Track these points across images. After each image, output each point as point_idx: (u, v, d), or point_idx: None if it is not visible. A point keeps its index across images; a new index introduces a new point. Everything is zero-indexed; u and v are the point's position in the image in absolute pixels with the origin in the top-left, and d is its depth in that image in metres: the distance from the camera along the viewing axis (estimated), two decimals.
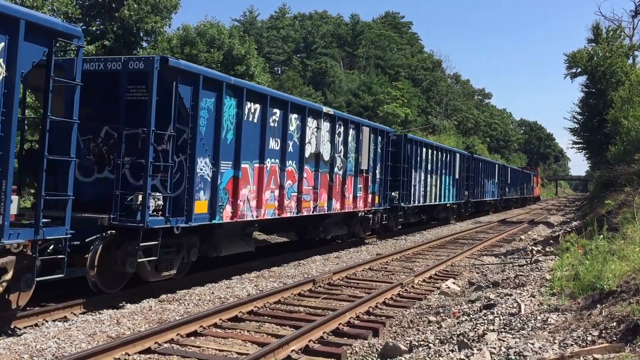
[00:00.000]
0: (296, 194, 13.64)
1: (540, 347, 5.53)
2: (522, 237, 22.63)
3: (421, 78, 75.96)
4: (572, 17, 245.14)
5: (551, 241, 17.80)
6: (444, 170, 26.73)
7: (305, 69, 62.01)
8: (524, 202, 57.26)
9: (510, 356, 5.48)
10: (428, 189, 24.55)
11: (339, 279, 12.16)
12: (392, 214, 20.81)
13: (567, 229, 21.06)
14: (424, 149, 24.11)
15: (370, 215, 18.64)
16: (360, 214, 17.91)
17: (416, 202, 23.16)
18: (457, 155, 29.79)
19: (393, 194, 20.45)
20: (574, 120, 47.42)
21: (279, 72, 64.84)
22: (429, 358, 6.24)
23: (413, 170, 22.44)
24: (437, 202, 26.03)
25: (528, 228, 27.67)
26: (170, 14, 22.88)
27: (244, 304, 9.04)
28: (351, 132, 16.47)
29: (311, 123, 14.22)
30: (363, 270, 13.39)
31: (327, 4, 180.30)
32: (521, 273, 11.31)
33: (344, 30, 74.45)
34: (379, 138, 18.66)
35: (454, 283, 11.95)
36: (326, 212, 15.36)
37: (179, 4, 23.02)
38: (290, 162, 13.29)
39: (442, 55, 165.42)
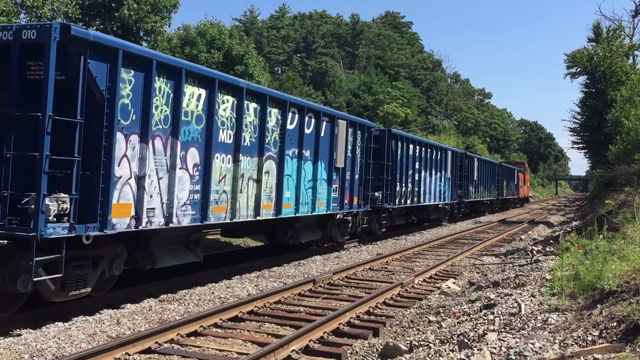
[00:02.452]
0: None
1: (540, 347, 5.53)
2: (522, 237, 22.63)
3: (421, 78, 75.96)
4: (573, 16, 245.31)
5: (551, 241, 17.81)
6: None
7: (305, 68, 61.99)
8: (503, 205, 46.66)
9: (510, 356, 5.48)
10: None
11: (339, 278, 12.15)
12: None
13: (567, 229, 21.06)
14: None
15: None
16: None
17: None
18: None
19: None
20: (574, 120, 47.43)
21: (279, 72, 64.83)
22: (429, 358, 6.24)
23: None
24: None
25: (528, 228, 27.67)
26: (170, 13, 22.86)
27: (244, 303, 9.04)
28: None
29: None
30: (363, 270, 13.39)
31: (327, 3, 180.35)
32: (521, 273, 11.32)
33: (344, 30, 74.43)
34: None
35: (454, 283, 11.95)
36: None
37: (179, 3, 23.00)
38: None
39: (442, 55, 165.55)
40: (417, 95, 67.62)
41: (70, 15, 19.01)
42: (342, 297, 10.44)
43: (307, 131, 13.82)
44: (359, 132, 16.87)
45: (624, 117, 25.96)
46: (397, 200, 20.82)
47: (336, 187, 15.58)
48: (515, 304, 7.88)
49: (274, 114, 12.50)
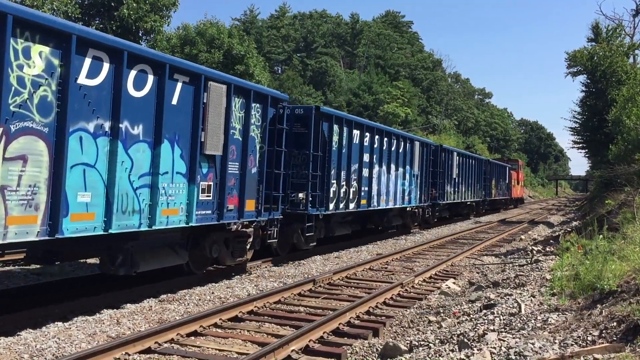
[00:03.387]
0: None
1: (540, 347, 5.53)
2: (522, 237, 22.63)
3: (421, 77, 76.00)
4: (573, 16, 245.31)
5: (551, 241, 17.81)
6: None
7: (305, 68, 62.02)
8: (492, 207, 41.43)
9: (510, 356, 5.48)
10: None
11: (339, 278, 12.15)
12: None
13: (567, 229, 21.06)
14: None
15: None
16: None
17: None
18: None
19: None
20: (575, 120, 47.40)
21: (279, 71, 64.83)
22: (429, 358, 6.24)
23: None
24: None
25: (528, 228, 27.67)
26: (169, 12, 22.87)
27: (244, 303, 9.04)
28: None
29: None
30: (363, 270, 13.39)
31: (327, 3, 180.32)
32: (521, 273, 11.31)
33: (344, 29, 74.46)
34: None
35: (454, 283, 11.95)
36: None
37: (178, 1, 23.02)
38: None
39: (442, 55, 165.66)
40: (417, 94, 67.66)
41: (70, 14, 19.02)
42: (342, 297, 10.44)
43: (133, 92, 8.51)
44: (256, 105, 11.76)
45: (625, 117, 25.94)
46: (333, 204, 15.54)
47: (208, 186, 10.47)
48: (515, 304, 7.87)
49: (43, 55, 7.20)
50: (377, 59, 70.94)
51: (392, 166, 19.76)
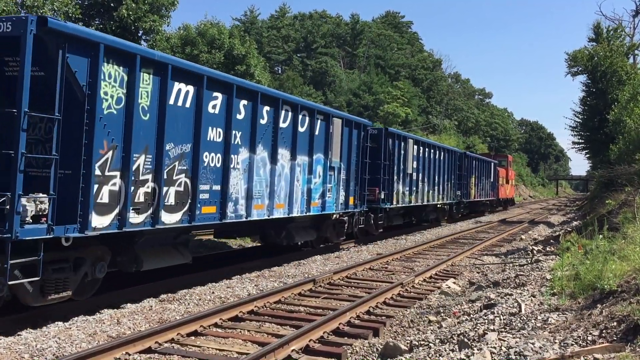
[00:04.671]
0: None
1: (540, 347, 5.52)
2: (523, 236, 22.63)
3: (421, 78, 75.95)
4: (573, 16, 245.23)
5: (552, 241, 17.81)
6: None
7: (305, 68, 61.99)
8: (473, 210, 35.63)
9: (510, 356, 5.48)
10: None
11: (339, 278, 12.15)
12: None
13: (568, 229, 21.05)
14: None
15: None
16: None
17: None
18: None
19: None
20: (575, 119, 47.36)
21: (279, 71, 64.83)
22: (430, 358, 6.24)
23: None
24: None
25: (528, 228, 27.66)
26: (169, 11, 22.86)
27: (245, 303, 9.04)
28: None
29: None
30: (363, 270, 13.39)
31: (327, 3, 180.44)
32: (521, 273, 11.31)
33: (344, 29, 74.44)
34: None
35: (454, 283, 11.95)
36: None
37: (177, 1, 23.00)
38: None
39: (442, 55, 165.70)
40: (417, 95, 67.62)
41: (70, 15, 19.03)
42: (342, 297, 10.44)
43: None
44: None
45: (627, 116, 25.93)
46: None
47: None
48: (516, 304, 7.87)
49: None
50: (377, 59, 70.91)
51: (280, 153, 12.94)
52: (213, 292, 10.29)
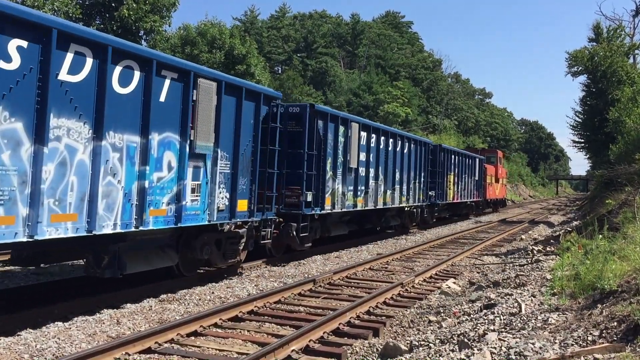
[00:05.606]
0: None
1: (540, 347, 5.52)
2: (523, 236, 22.62)
3: (421, 77, 75.97)
4: (573, 16, 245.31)
5: (552, 241, 17.80)
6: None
7: (305, 68, 62.00)
8: (455, 213, 31.62)
9: (510, 356, 5.47)
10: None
11: (339, 278, 12.15)
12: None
13: (568, 229, 21.04)
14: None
15: None
16: None
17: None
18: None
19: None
20: (575, 119, 47.38)
21: (279, 71, 64.84)
22: (430, 358, 6.23)
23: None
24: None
25: (528, 228, 27.66)
26: (170, 12, 22.88)
27: (244, 303, 9.03)
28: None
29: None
30: (363, 270, 13.38)
31: (327, 3, 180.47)
32: (522, 273, 11.30)
33: (344, 29, 74.46)
34: None
35: (454, 283, 11.95)
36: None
37: (178, 2, 23.03)
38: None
39: (442, 55, 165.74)
40: (417, 94, 67.62)
41: (70, 15, 19.03)
42: (342, 297, 10.43)
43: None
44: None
45: (626, 116, 25.93)
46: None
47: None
48: (516, 304, 7.87)
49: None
50: (378, 59, 70.93)
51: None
52: (213, 292, 10.29)
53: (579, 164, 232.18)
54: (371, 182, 18.02)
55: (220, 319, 8.31)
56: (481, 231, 25.54)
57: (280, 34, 69.41)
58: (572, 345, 5.48)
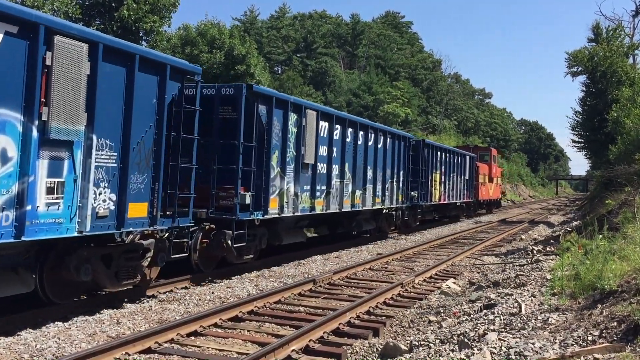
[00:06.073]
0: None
1: (540, 347, 5.52)
2: (523, 236, 22.63)
3: (421, 78, 75.97)
4: (573, 16, 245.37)
5: (552, 241, 17.81)
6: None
7: (305, 68, 61.99)
8: (444, 215, 29.36)
9: (510, 356, 5.47)
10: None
11: (339, 278, 12.15)
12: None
13: (568, 229, 21.05)
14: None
15: None
16: None
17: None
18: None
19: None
20: (575, 118, 47.36)
21: (279, 71, 64.83)
22: (430, 358, 6.23)
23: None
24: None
25: (528, 228, 27.67)
26: (170, 13, 22.89)
27: (244, 303, 9.04)
28: None
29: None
30: (363, 270, 13.38)
31: (327, 3, 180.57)
32: (522, 273, 11.30)
33: (344, 30, 74.45)
34: None
35: (454, 283, 11.95)
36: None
37: (178, 2, 23.03)
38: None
39: (442, 55, 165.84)
40: (417, 95, 67.63)
41: (70, 15, 19.03)
42: (342, 297, 10.43)
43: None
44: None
45: (625, 117, 25.94)
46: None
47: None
48: (516, 304, 7.87)
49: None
50: (377, 60, 70.93)
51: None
52: (213, 292, 10.29)
53: (578, 164, 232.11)
54: (334, 181, 15.39)
55: (220, 319, 8.31)
56: (481, 231, 25.55)
57: (280, 34, 69.41)
58: (572, 345, 5.48)
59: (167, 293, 10.05)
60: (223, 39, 27.50)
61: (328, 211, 15.30)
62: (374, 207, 18.54)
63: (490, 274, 12.93)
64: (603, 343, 5.34)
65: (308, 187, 14.13)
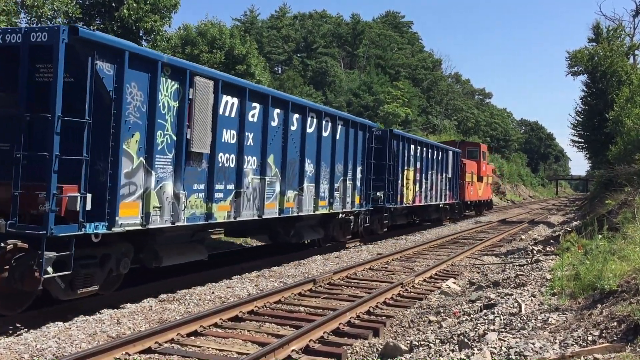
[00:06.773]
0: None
1: (540, 347, 5.52)
2: (523, 236, 22.63)
3: (421, 78, 75.98)
4: (573, 16, 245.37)
5: (552, 241, 17.80)
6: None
7: (305, 68, 62.00)
8: (424, 219, 26.00)
9: (510, 356, 5.47)
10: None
11: (339, 278, 12.15)
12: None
13: (568, 229, 21.05)
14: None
15: None
16: None
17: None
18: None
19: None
20: (576, 117, 47.32)
21: (280, 71, 64.85)
22: (430, 358, 6.23)
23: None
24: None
25: (528, 228, 27.67)
26: (170, 13, 22.88)
27: (245, 303, 9.04)
28: None
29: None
30: (363, 270, 13.39)
31: (327, 3, 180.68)
32: (522, 273, 11.31)
33: (344, 29, 74.45)
34: None
35: (454, 283, 11.95)
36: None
37: (179, 3, 23.03)
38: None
39: (442, 55, 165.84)
40: (417, 95, 67.64)
41: (70, 14, 19.03)
42: (343, 297, 10.44)
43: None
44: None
45: (625, 117, 25.95)
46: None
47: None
48: (516, 304, 7.87)
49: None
50: (378, 59, 70.94)
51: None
52: (213, 292, 10.29)
53: (578, 164, 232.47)
54: (249, 178, 11.75)
55: (220, 319, 8.31)
56: (481, 231, 25.56)
57: (280, 34, 69.41)
58: (572, 345, 5.48)
59: (169, 293, 10.05)
60: (223, 39, 27.52)
61: (239, 219, 11.48)
62: (317, 212, 14.70)
63: (490, 274, 12.93)
64: (603, 343, 5.35)
65: (201, 187, 10.36)
